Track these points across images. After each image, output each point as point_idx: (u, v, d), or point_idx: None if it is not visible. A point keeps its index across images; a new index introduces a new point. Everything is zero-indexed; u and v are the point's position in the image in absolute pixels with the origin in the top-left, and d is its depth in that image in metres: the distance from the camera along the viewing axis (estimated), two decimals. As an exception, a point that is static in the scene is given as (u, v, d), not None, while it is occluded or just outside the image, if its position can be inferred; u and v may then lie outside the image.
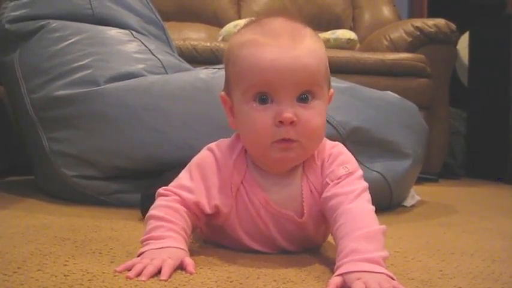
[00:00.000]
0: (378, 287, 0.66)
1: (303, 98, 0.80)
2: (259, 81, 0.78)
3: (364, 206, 0.81)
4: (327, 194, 0.83)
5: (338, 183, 0.83)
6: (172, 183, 0.88)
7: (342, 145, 0.91)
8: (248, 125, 0.81)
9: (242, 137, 0.85)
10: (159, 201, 0.86)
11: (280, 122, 0.78)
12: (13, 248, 0.86)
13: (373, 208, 0.81)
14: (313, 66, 0.80)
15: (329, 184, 0.84)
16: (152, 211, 0.84)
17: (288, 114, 0.77)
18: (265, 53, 0.78)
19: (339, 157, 0.87)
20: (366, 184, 0.84)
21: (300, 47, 0.79)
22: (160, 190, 0.87)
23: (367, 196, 0.83)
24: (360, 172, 0.86)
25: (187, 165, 0.90)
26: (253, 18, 0.88)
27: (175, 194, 0.85)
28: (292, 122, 0.78)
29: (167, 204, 0.84)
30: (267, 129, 0.79)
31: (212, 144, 0.90)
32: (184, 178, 0.88)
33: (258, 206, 0.86)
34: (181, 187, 0.86)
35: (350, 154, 0.89)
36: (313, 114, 0.80)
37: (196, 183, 0.86)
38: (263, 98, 0.79)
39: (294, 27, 0.82)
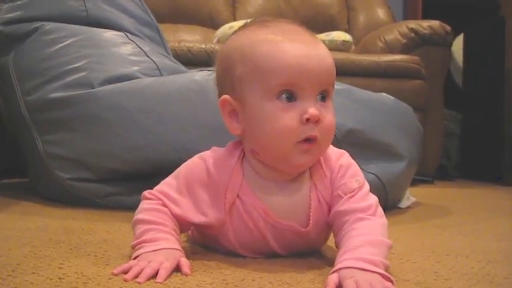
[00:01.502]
0: (369, 287, 0.66)
1: (322, 97, 0.79)
2: (287, 79, 0.76)
3: (379, 220, 0.81)
4: (341, 208, 0.82)
5: (352, 196, 0.82)
6: (158, 188, 0.86)
7: (347, 154, 0.89)
8: (271, 124, 0.76)
9: (259, 139, 0.79)
10: (144, 204, 0.84)
11: (307, 119, 0.76)
12: (8, 251, 0.86)
13: (386, 222, 0.81)
14: (332, 66, 0.80)
15: (342, 197, 0.82)
16: (139, 215, 0.83)
17: (316, 111, 0.76)
18: (292, 50, 0.76)
19: (350, 168, 0.85)
20: (376, 198, 0.84)
21: (320, 46, 0.80)
22: (146, 193, 0.86)
23: (381, 211, 0.83)
24: (368, 185, 0.85)
25: (176, 171, 0.87)
26: (247, 21, 0.86)
27: (160, 200, 0.84)
28: (317, 120, 0.77)
29: (153, 207, 0.83)
30: (294, 128, 0.76)
31: (205, 154, 0.86)
32: (170, 186, 0.85)
33: (256, 218, 0.83)
34: (166, 195, 0.84)
35: (356, 165, 0.88)
36: (331, 114, 0.80)
37: (183, 197, 0.84)
38: (289, 96, 0.77)
39: (302, 28, 0.82)
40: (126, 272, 0.72)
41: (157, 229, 0.80)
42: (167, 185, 0.86)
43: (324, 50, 0.80)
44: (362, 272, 0.69)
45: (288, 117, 0.76)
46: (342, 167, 0.85)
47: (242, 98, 0.80)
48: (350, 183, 0.83)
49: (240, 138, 0.86)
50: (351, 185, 0.83)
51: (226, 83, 0.83)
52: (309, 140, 0.77)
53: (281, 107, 0.76)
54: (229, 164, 0.84)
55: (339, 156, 0.87)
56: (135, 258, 0.76)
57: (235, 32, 0.85)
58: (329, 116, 0.79)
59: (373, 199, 0.83)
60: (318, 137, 0.78)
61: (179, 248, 0.79)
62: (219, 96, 0.84)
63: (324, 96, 0.79)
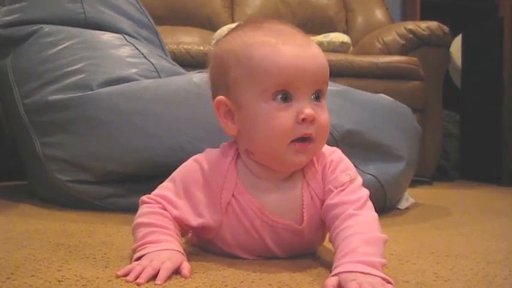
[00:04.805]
0: (371, 289, 0.66)
1: (317, 97, 0.80)
2: (282, 80, 0.77)
3: (369, 214, 0.80)
4: (331, 201, 0.82)
5: (342, 190, 0.82)
6: (156, 192, 0.86)
7: (339, 150, 0.90)
8: (268, 123, 0.78)
9: (255, 139, 0.80)
10: (144, 208, 0.84)
11: (303, 119, 0.77)
12: (6, 254, 0.86)
13: (377, 216, 0.81)
14: (326, 65, 0.81)
15: (333, 191, 0.83)
16: (139, 219, 0.83)
17: (311, 111, 0.77)
18: (286, 52, 0.77)
19: (341, 163, 0.86)
20: (367, 191, 0.84)
21: (313, 46, 0.81)
22: (144, 198, 0.86)
23: (371, 204, 0.83)
24: (360, 179, 0.86)
25: (172, 175, 0.87)
26: (240, 23, 0.87)
27: (160, 203, 0.84)
28: (313, 120, 0.78)
29: (154, 210, 0.83)
30: (289, 127, 0.77)
31: (199, 156, 0.87)
32: (168, 190, 0.85)
33: (252, 217, 0.84)
34: (165, 199, 0.84)
35: (348, 160, 0.88)
36: (326, 113, 0.81)
37: (181, 200, 0.84)
38: (284, 97, 0.78)
39: (294, 28, 0.83)
40: (128, 274, 0.72)
41: (160, 231, 0.80)
42: (165, 188, 0.86)
43: (316, 50, 0.81)
44: (363, 275, 0.69)
45: (283, 117, 0.77)
46: (333, 162, 0.86)
47: (238, 100, 0.81)
48: (341, 177, 0.84)
49: (234, 139, 0.87)
50: (342, 179, 0.84)
51: (220, 85, 0.83)
52: (303, 139, 0.79)
53: (277, 107, 0.78)
54: (223, 164, 0.85)
55: (330, 153, 0.88)
56: (137, 260, 0.76)
57: (229, 33, 0.86)
58: (324, 115, 0.80)
59: (364, 192, 0.83)
60: (313, 136, 0.79)
61: (182, 251, 0.79)
62: (213, 97, 0.85)
63: (318, 96, 0.81)
